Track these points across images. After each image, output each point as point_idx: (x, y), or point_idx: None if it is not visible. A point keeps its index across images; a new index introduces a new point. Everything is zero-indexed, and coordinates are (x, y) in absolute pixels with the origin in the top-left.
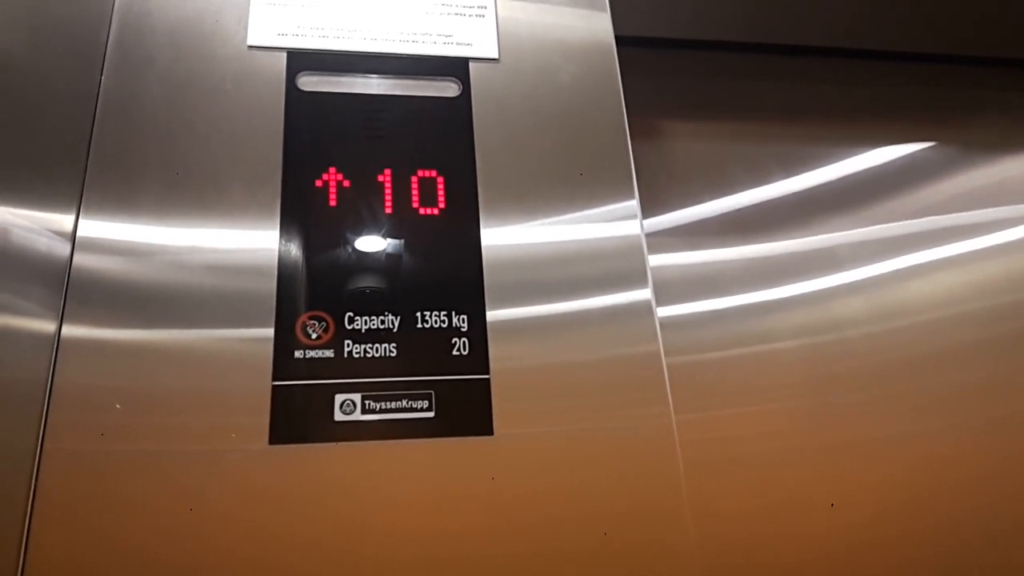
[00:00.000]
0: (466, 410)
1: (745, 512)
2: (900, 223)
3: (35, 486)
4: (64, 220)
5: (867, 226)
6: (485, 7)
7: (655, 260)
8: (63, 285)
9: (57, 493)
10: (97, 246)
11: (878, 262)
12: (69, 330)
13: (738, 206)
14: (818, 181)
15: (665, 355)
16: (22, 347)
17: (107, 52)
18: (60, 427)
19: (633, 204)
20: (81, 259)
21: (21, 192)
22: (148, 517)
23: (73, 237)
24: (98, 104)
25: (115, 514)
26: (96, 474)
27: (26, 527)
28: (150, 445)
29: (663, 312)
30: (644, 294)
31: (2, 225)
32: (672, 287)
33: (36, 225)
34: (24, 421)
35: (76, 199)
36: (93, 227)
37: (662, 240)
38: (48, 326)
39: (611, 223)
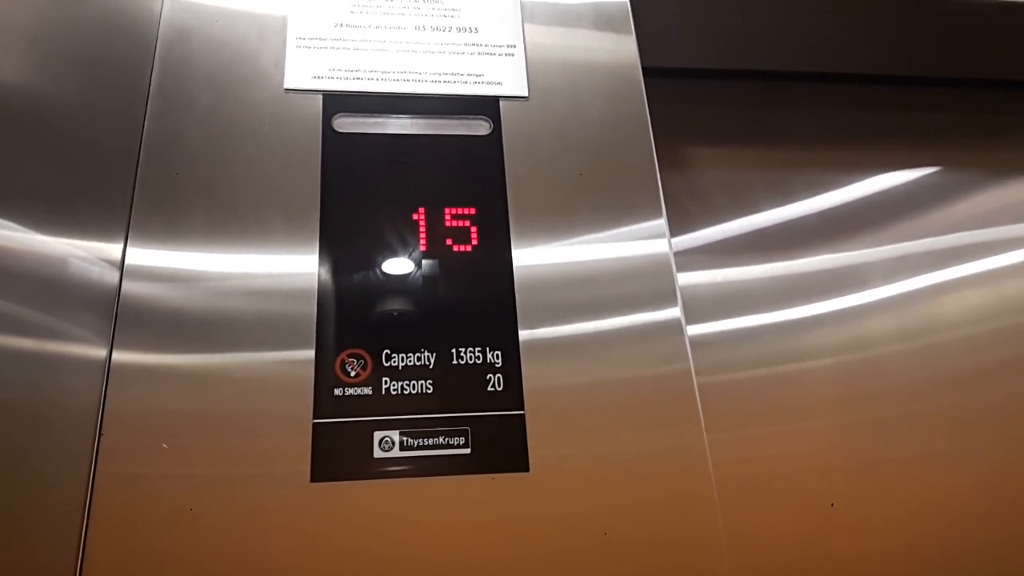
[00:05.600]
0: (502, 447)
1: (780, 532)
2: (928, 239)
3: (89, 507)
4: (113, 249)
5: (895, 243)
6: (514, 46)
7: (684, 279)
8: (113, 312)
9: (111, 514)
10: (145, 274)
11: (907, 279)
12: (119, 356)
13: (765, 224)
14: (845, 199)
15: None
16: (76, 373)
17: (150, 95)
18: (112, 450)
19: (661, 223)
20: (129, 286)
21: (76, 223)
22: (198, 539)
23: (121, 265)
24: (142, 144)
25: (166, 535)
26: (146, 496)
27: (81, 546)
28: (199, 469)
29: (692, 331)
30: (674, 312)
31: (61, 255)
32: (701, 306)
33: (89, 254)
34: (78, 444)
35: (123, 229)
36: (140, 255)
37: (690, 259)
38: (99, 352)
39: (639, 242)
